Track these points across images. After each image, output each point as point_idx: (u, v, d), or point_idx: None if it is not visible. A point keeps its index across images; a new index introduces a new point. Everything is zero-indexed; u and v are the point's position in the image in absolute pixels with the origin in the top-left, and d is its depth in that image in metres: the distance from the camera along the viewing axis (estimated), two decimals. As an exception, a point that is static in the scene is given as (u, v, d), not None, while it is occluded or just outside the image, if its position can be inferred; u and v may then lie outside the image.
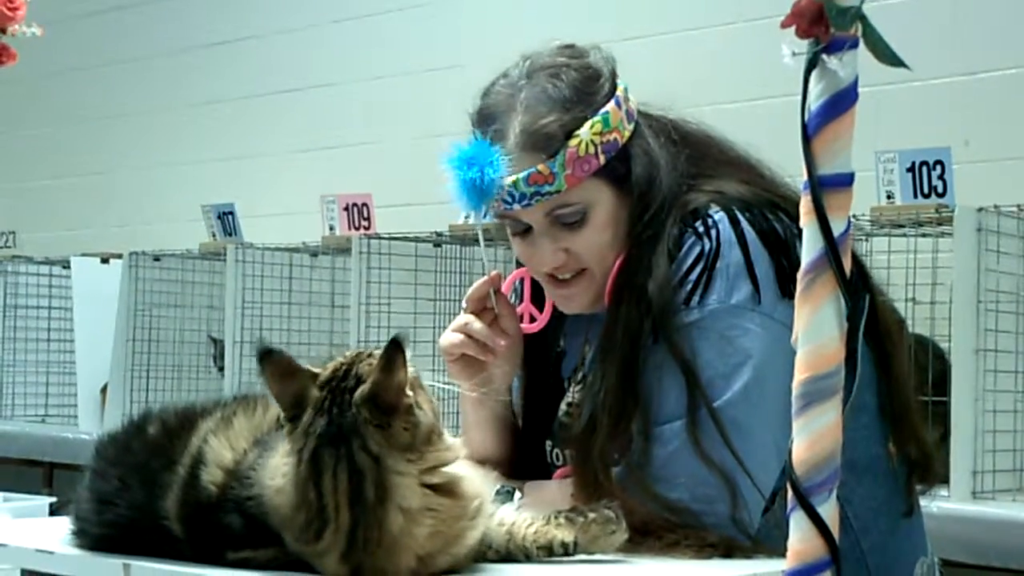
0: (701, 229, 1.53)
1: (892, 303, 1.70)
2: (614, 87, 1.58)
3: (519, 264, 1.72)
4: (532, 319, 1.69)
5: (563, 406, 1.66)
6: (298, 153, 4.40)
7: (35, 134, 5.30)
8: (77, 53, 5.07)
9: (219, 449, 1.26)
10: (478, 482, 1.27)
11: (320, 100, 4.36)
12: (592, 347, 1.63)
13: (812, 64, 1.04)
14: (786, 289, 1.48)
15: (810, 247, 1.04)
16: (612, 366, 1.52)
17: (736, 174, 1.60)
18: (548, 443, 1.68)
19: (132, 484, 1.30)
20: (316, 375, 1.22)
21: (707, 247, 1.51)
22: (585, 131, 1.54)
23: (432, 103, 4.05)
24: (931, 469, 1.65)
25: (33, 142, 5.31)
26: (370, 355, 1.23)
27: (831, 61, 1.03)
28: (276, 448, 1.23)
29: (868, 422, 1.57)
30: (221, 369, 3.84)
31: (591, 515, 1.31)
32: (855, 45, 1.03)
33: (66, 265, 4.30)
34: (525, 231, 1.60)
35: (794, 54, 1.04)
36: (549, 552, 1.29)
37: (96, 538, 1.33)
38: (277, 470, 1.21)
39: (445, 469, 1.21)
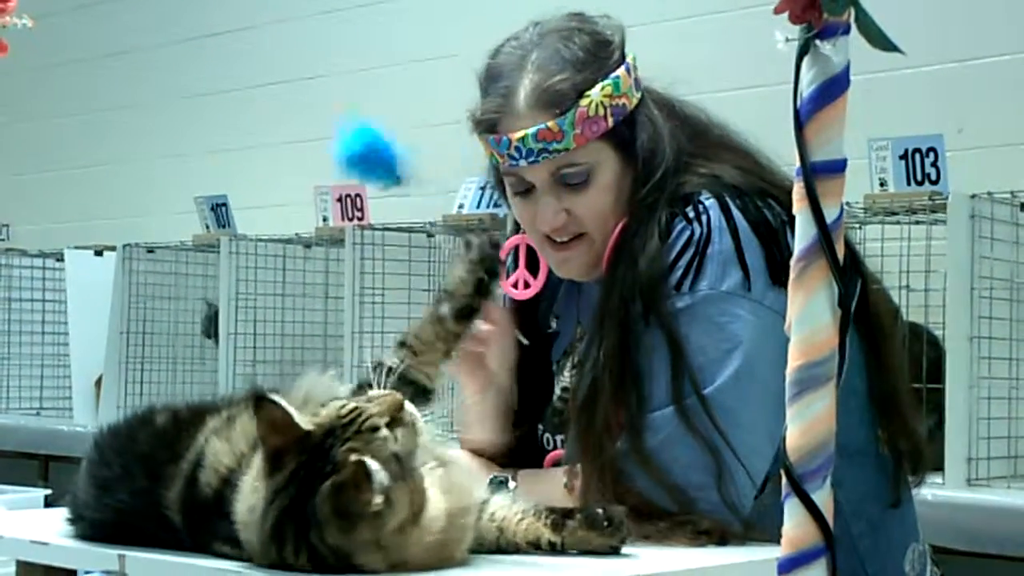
0: (692, 214, 1.53)
1: (886, 291, 1.70)
2: (623, 54, 1.60)
3: (515, 229, 1.71)
4: (526, 285, 1.69)
5: (557, 390, 1.66)
6: (291, 144, 4.39)
7: (28, 127, 5.28)
8: (69, 45, 5.06)
9: (218, 452, 1.25)
10: (464, 504, 1.23)
11: (313, 91, 4.35)
12: (584, 326, 1.63)
13: (804, 50, 1.04)
14: (776, 277, 1.49)
15: (803, 234, 1.04)
16: (611, 330, 1.52)
17: (732, 159, 1.61)
18: (540, 427, 1.68)
19: (135, 472, 1.31)
20: (306, 434, 1.15)
21: (697, 233, 1.52)
22: (596, 92, 1.55)
23: (425, 93, 4.04)
24: (922, 461, 1.65)
25: (26, 135, 5.29)
26: (367, 419, 1.15)
27: (824, 47, 1.03)
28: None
29: (857, 406, 1.57)
30: (210, 335, 3.84)
31: (578, 517, 1.31)
32: (847, 31, 1.03)
33: (60, 258, 4.29)
34: (527, 191, 1.60)
35: (787, 40, 1.04)
36: (537, 548, 1.30)
37: (93, 524, 1.33)
38: (247, 500, 1.18)
39: (418, 548, 1.17)
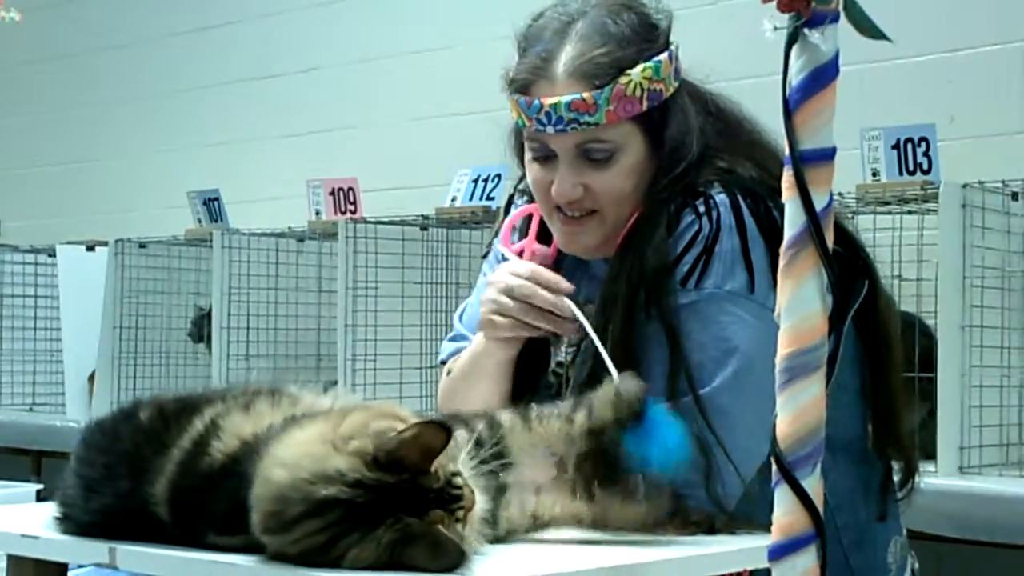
0: (702, 209, 1.53)
1: (897, 306, 1.69)
2: (668, 41, 1.59)
3: (520, 197, 1.69)
4: (533, 256, 1.67)
5: (553, 363, 1.66)
6: (283, 138, 4.39)
7: (18, 122, 5.27)
8: (58, 40, 5.05)
9: (239, 422, 1.23)
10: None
11: (305, 84, 4.35)
12: (585, 302, 1.62)
13: (793, 38, 1.04)
14: None
15: (792, 222, 1.04)
16: (614, 318, 1.51)
17: (754, 157, 1.59)
18: (533, 404, 1.66)
19: (119, 471, 1.29)
20: (427, 471, 1.13)
21: (706, 229, 1.51)
22: (636, 72, 1.54)
23: (418, 86, 4.04)
24: (912, 477, 1.65)
25: (16, 130, 5.28)
26: (464, 505, 1.15)
27: (812, 35, 1.03)
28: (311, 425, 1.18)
29: (847, 401, 1.58)
30: (197, 340, 3.84)
31: (611, 490, 1.29)
32: (836, 18, 1.03)
33: (52, 253, 4.28)
34: (547, 157, 1.58)
35: (775, 28, 1.04)
36: (578, 523, 1.30)
37: (82, 524, 1.32)
38: (315, 448, 1.13)
39: None
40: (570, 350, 1.62)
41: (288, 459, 1.14)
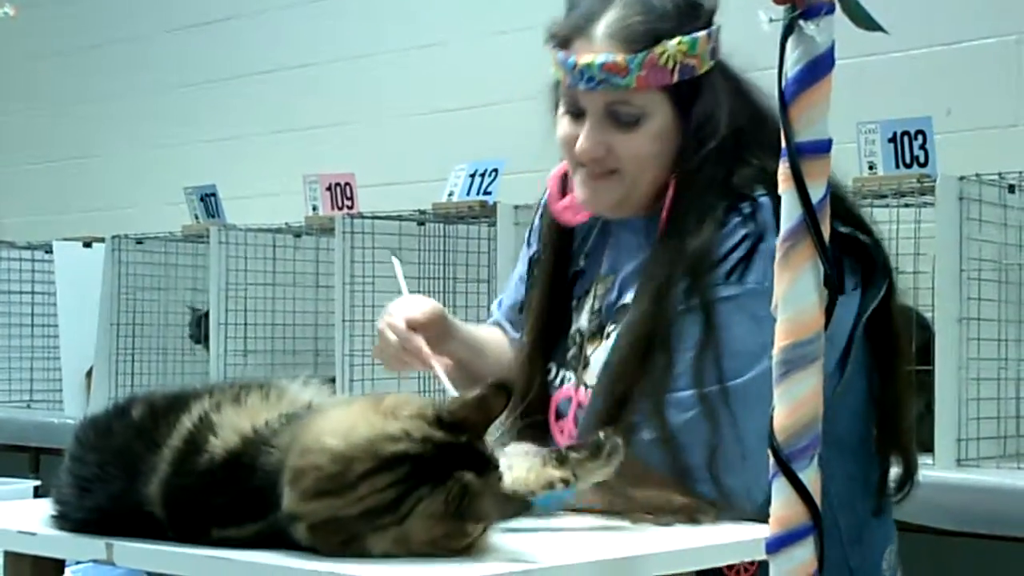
0: (748, 211, 1.56)
1: (907, 311, 1.71)
2: (711, 22, 1.63)
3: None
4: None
5: (573, 330, 1.70)
6: (280, 133, 4.38)
7: (14, 118, 5.26)
8: (55, 36, 5.04)
9: (235, 417, 1.24)
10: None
11: (301, 80, 4.35)
12: (607, 271, 1.67)
13: (789, 30, 1.04)
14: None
15: (789, 214, 1.04)
16: (652, 303, 1.55)
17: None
18: (552, 365, 1.71)
19: (112, 471, 1.28)
20: (480, 437, 1.17)
21: (752, 230, 1.54)
22: (672, 44, 1.58)
23: (415, 81, 4.03)
24: (911, 480, 1.66)
25: (12, 126, 5.28)
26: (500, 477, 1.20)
27: (808, 27, 1.03)
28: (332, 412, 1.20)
29: (855, 402, 1.59)
30: (198, 341, 3.84)
31: (581, 452, 1.33)
32: (831, 10, 1.03)
33: (48, 250, 4.28)
34: (577, 114, 1.64)
35: (771, 20, 1.04)
36: (551, 488, 1.33)
37: (77, 523, 1.32)
38: (372, 421, 1.16)
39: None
40: (592, 317, 1.66)
41: (338, 430, 1.16)
